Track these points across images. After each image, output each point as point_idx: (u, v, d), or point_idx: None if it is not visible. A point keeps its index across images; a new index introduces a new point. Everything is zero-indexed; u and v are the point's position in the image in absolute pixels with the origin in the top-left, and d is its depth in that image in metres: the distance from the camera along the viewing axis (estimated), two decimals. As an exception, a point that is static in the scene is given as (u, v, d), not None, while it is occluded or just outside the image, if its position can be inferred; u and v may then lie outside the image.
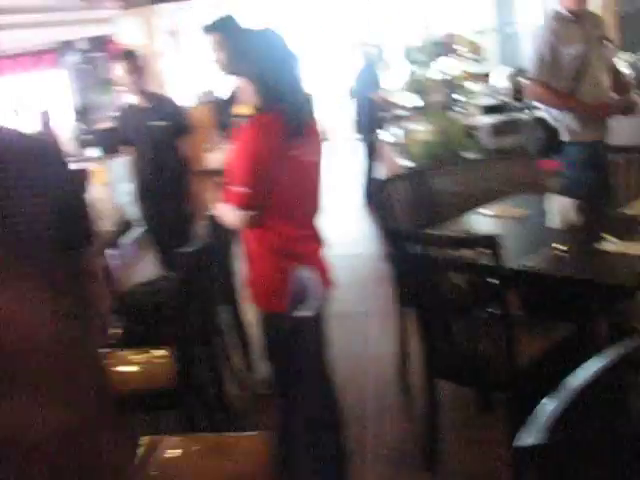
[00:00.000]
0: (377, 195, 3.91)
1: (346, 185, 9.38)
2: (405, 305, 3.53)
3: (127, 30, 11.46)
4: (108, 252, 5.21)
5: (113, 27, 11.71)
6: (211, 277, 3.59)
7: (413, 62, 5.53)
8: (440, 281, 2.87)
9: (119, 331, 3.65)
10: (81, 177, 1.75)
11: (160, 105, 4.75)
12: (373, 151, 7.96)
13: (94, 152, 8.75)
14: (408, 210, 4.07)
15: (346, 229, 7.23)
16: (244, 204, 2.58)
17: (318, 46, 14.28)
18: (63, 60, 16.75)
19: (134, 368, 3.24)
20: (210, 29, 3.75)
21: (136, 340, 3.49)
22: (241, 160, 2.59)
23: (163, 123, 4.69)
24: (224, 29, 3.66)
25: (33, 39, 15.93)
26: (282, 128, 2.56)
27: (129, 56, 4.69)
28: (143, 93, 4.73)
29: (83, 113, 9.92)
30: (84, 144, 9.56)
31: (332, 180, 11.04)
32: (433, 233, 2.91)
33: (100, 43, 14.69)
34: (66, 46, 16.34)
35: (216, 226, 3.26)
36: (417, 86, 5.56)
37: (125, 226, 4.84)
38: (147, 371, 3.21)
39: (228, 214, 2.71)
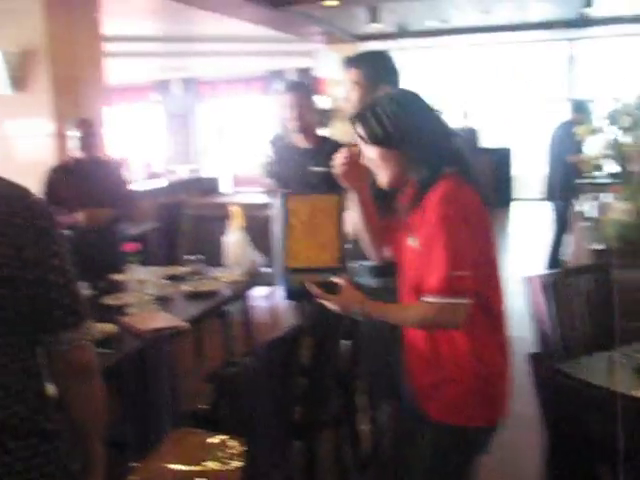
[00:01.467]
0: (545, 291, 3.13)
1: (527, 254, 8.48)
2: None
3: (327, 64, 11.29)
4: (235, 305, 4.84)
5: (315, 61, 11.60)
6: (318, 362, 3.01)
7: (618, 126, 4.69)
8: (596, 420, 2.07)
9: (204, 407, 3.16)
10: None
11: (322, 147, 4.17)
12: (564, 222, 7.07)
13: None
14: (588, 312, 3.28)
15: (516, 306, 6.31)
16: (462, 289, 1.93)
17: (517, 98, 13.57)
18: (270, 88, 17.12)
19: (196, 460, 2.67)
20: (353, 62, 3.08)
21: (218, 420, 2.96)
22: (451, 235, 1.95)
23: (323, 169, 4.12)
24: (369, 66, 3.00)
25: (245, 66, 16.50)
26: (474, 195, 2.03)
27: (296, 88, 4.17)
28: (306, 132, 4.19)
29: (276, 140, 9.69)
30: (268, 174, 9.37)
31: (513, 247, 10.25)
32: (600, 387, 2.05)
33: (306, 74, 14.80)
34: (274, 75, 16.69)
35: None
36: (619, 154, 4.70)
37: (257, 277, 4.40)
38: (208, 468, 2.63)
39: (425, 309, 1.98)
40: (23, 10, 5.68)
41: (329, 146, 4.15)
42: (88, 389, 1.66)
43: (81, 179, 4.80)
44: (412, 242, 2.05)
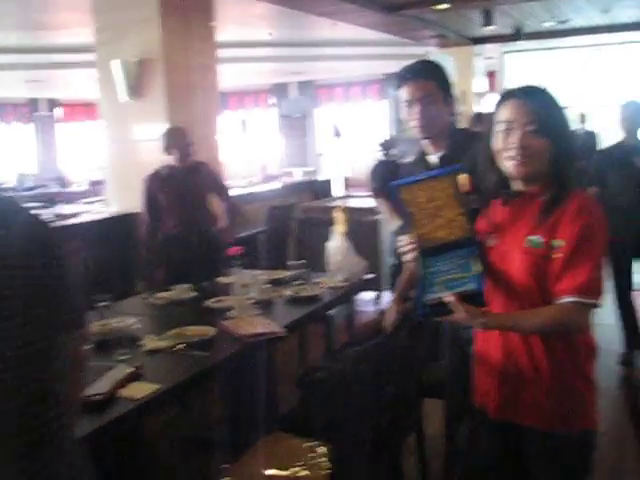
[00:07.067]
0: None
1: None
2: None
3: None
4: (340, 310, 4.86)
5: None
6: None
7: None
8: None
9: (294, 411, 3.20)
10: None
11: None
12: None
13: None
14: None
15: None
16: (600, 291, 2.00)
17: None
18: (386, 92, 17.17)
19: (286, 465, 2.71)
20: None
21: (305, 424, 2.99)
22: (599, 239, 2.03)
23: None
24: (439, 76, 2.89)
25: (361, 70, 16.61)
26: None
27: None
28: None
29: (385, 145, 9.61)
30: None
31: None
32: None
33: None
34: (390, 78, 16.72)
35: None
36: None
37: (359, 283, 4.41)
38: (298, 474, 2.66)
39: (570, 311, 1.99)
40: (141, 21, 5.92)
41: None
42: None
43: (176, 186, 5.01)
44: (533, 244, 2.04)
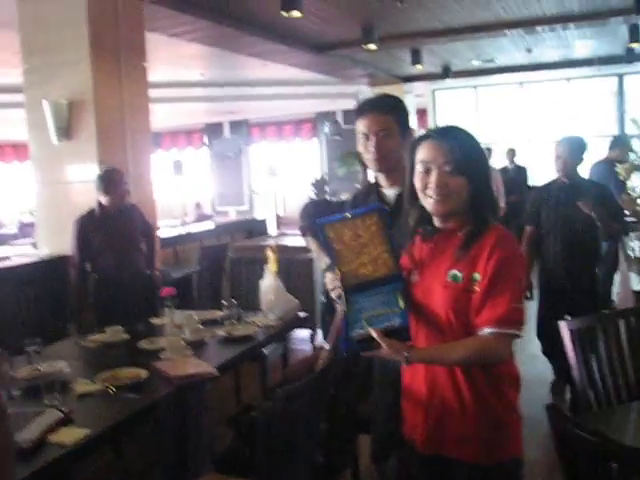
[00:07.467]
0: (576, 337, 3.08)
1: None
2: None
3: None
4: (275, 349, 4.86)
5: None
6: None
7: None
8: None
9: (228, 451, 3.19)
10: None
11: None
12: (610, 260, 6.93)
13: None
14: (625, 360, 3.19)
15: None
16: (520, 322, 2.07)
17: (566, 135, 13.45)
18: (318, 130, 17.34)
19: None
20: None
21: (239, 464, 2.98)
22: (516, 271, 2.09)
23: None
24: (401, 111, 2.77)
25: (293, 109, 16.73)
26: None
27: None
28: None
29: (317, 184, 9.65)
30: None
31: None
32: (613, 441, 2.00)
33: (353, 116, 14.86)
34: (322, 117, 16.89)
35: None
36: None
37: (292, 321, 4.43)
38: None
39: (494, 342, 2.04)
40: (72, 62, 5.87)
41: None
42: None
43: (110, 227, 4.99)
44: (454, 278, 2.10)
